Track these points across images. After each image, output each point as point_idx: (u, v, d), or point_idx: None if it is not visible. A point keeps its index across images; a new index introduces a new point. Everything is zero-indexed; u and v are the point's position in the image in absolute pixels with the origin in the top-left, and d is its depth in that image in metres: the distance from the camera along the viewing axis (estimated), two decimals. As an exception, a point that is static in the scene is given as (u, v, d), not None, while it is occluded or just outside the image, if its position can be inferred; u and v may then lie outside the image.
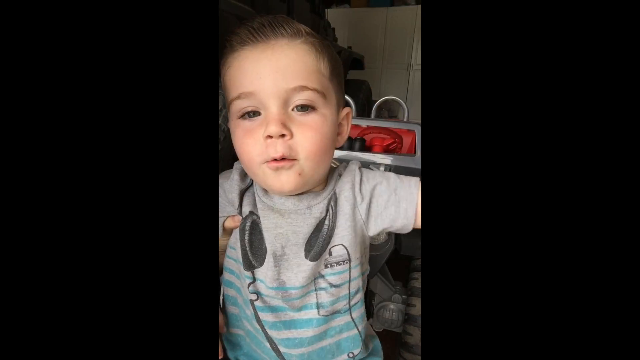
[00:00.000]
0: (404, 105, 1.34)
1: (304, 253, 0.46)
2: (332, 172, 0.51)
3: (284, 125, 0.41)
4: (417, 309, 1.05)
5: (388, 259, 1.02)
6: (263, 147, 0.42)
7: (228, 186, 0.50)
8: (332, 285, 0.48)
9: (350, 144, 1.13)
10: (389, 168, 1.03)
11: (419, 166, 1.01)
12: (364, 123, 1.22)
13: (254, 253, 0.47)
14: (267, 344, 0.49)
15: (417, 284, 1.12)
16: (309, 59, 0.42)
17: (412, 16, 4.50)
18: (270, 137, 0.41)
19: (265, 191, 0.48)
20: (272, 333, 0.48)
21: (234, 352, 0.54)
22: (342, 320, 0.50)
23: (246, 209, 0.49)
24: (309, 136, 0.42)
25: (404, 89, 4.72)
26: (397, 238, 1.02)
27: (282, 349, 0.48)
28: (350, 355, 0.51)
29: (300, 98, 0.42)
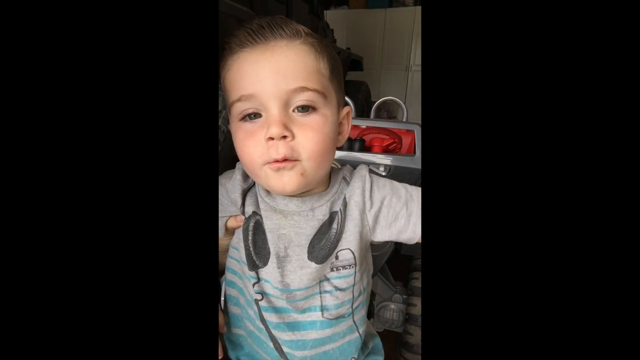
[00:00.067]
0: (403, 106, 1.34)
1: (307, 255, 0.46)
2: (336, 174, 0.51)
3: (285, 126, 0.41)
4: (417, 308, 1.05)
5: (388, 259, 1.02)
6: (264, 148, 0.42)
7: (230, 186, 0.50)
8: (337, 288, 0.48)
9: (349, 145, 1.13)
10: (389, 168, 1.04)
11: (419, 166, 1.01)
12: (364, 123, 1.22)
13: (258, 253, 0.48)
14: (271, 344, 0.49)
15: (418, 283, 1.12)
16: (308, 59, 0.42)
17: (410, 17, 4.51)
18: (271, 138, 0.41)
19: (268, 192, 0.48)
20: (276, 333, 0.48)
21: (235, 352, 0.54)
22: (345, 324, 0.50)
23: (249, 209, 0.49)
24: (310, 137, 0.42)
25: (402, 89, 4.72)
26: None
27: (285, 349, 0.48)
28: (353, 359, 0.52)
29: (301, 99, 0.42)
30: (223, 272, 0.56)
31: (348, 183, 0.50)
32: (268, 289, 0.48)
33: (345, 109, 0.49)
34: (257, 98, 0.41)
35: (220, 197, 0.50)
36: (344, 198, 0.48)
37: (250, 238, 0.48)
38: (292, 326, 0.48)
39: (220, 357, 0.50)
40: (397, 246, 1.03)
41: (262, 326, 0.49)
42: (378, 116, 1.93)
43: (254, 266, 0.48)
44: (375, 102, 1.42)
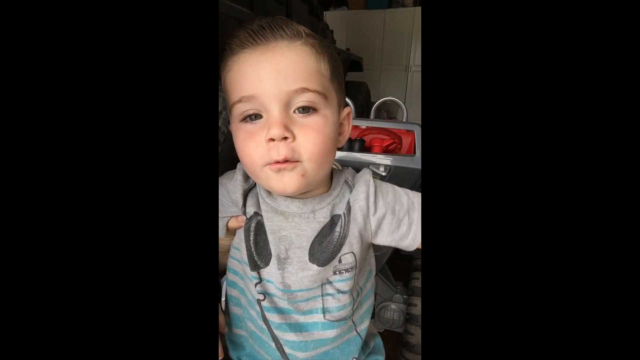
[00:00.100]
0: (403, 106, 1.35)
1: (308, 257, 0.46)
2: (338, 177, 0.51)
3: (286, 127, 0.41)
4: (418, 308, 1.05)
5: (389, 259, 1.02)
6: (265, 149, 0.42)
7: (231, 187, 0.50)
8: (339, 291, 0.48)
9: (349, 145, 1.13)
10: (389, 168, 1.04)
11: (419, 166, 1.01)
12: (364, 124, 1.22)
13: (260, 254, 0.48)
14: (273, 344, 0.49)
15: (418, 283, 1.12)
16: (309, 60, 0.42)
17: (409, 18, 4.51)
18: (272, 140, 0.41)
19: (269, 193, 0.49)
20: (278, 333, 0.48)
21: (236, 352, 0.54)
22: (346, 325, 0.51)
23: (250, 210, 0.49)
24: (311, 138, 0.42)
25: (402, 90, 4.72)
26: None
27: (287, 350, 0.48)
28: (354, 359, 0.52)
29: (302, 100, 0.42)
30: (224, 273, 0.56)
31: (350, 187, 0.50)
32: (271, 289, 0.48)
33: (346, 110, 0.49)
34: (258, 99, 0.41)
35: (221, 197, 0.51)
36: (348, 202, 0.48)
37: (251, 238, 0.48)
38: (295, 327, 0.48)
39: (221, 358, 0.50)
40: (398, 246, 1.03)
41: (264, 326, 0.49)
42: (378, 117, 1.93)
43: (255, 266, 0.48)
44: (375, 102, 1.43)
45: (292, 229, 0.47)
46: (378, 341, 0.60)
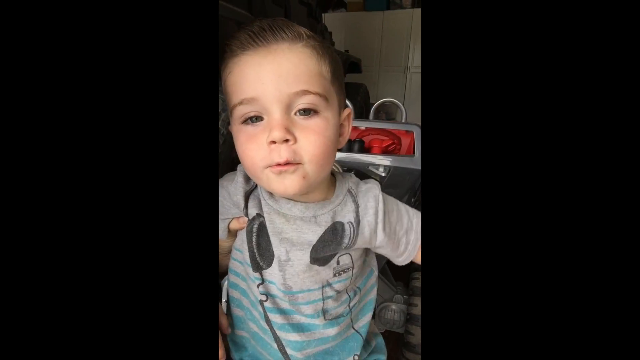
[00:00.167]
0: (402, 107, 1.35)
1: (309, 259, 0.47)
2: (341, 184, 0.51)
3: (287, 130, 0.41)
4: (418, 308, 1.05)
5: (389, 259, 1.02)
6: (266, 152, 0.42)
7: (233, 188, 0.50)
8: (337, 291, 0.50)
9: (349, 146, 1.14)
10: (388, 169, 1.04)
11: (418, 167, 1.02)
12: (363, 125, 1.22)
13: (262, 255, 0.48)
14: (275, 345, 0.49)
15: (419, 283, 1.12)
16: (310, 62, 0.42)
17: (407, 19, 4.52)
18: (273, 142, 0.41)
19: (271, 194, 0.49)
20: (281, 334, 0.49)
21: (238, 353, 0.55)
22: (345, 323, 0.51)
23: (252, 211, 0.49)
24: (312, 140, 0.42)
25: (401, 91, 4.73)
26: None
27: (289, 351, 0.49)
28: (355, 357, 0.53)
29: (303, 102, 0.42)
30: (225, 274, 0.56)
31: (353, 196, 0.50)
32: (273, 290, 0.48)
33: (346, 111, 0.49)
34: (259, 101, 0.41)
35: (222, 199, 0.51)
36: (357, 214, 0.49)
37: (254, 240, 0.48)
38: (297, 327, 0.49)
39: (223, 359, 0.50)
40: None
41: (266, 327, 0.49)
42: (377, 118, 1.93)
43: (258, 267, 0.48)
44: (373, 103, 1.43)
45: (293, 231, 0.47)
46: (380, 340, 0.60)
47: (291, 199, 0.47)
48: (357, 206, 0.49)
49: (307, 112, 0.42)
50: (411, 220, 0.52)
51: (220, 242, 0.54)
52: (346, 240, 0.48)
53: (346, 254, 0.49)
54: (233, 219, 0.52)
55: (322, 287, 0.49)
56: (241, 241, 0.51)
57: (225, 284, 0.58)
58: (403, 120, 1.34)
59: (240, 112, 0.43)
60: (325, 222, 0.48)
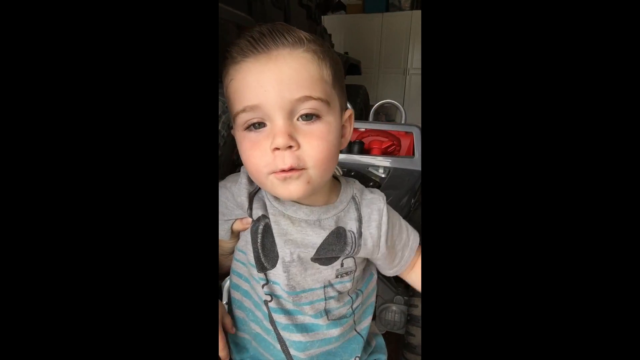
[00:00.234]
0: (402, 108, 1.35)
1: (312, 260, 0.47)
2: (346, 189, 0.51)
3: (291, 136, 0.41)
4: (419, 309, 1.05)
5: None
6: (270, 158, 0.42)
7: (236, 190, 0.50)
8: (339, 292, 0.50)
9: (349, 147, 1.14)
10: (388, 170, 1.04)
11: (418, 167, 1.02)
12: (363, 126, 1.23)
13: (267, 255, 0.48)
14: (278, 346, 0.49)
15: (419, 284, 1.12)
16: (311, 67, 0.42)
17: (407, 21, 4.54)
18: (277, 149, 0.41)
19: (276, 196, 0.49)
20: (285, 334, 0.49)
21: (240, 354, 0.55)
22: (348, 324, 0.52)
23: (257, 212, 0.49)
24: (315, 145, 0.42)
25: (400, 92, 4.74)
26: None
27: (292, 352, 0.49)
28: (357, 359, 0.53)
29: (305, 108, 0.42)
30: (226, 275, 0.56)
31: (357, 203, 0.51)
32: (277, 290, 0.49)
33: (347, 113, 0.49)
34: (262, 109, 0.41)
35: (225, 200, 0.51)
36: (359, 225, 0.50)
37: (259, 240, 0.49)
38: (301, 327, 0.49)
39: None
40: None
41: (270, 327, 0.49)
42: (376, 119, 1.93)
43: (262, 268, 0.48)
44: (373, 105, 1.43)
45: (297, 233, 0.47)
46: (380, 340, 0.60)
47: (296, 202, 0.48)
48: (359, 216, 0.50)
49: (309, 117, 0.42)
50: (409, 237, 0.54)
51: (222, 243, 0.54)
52: (348, 248, 0.48)
53: (350, 257, 0.49)
54: (236, 220, 0.52)
55: (324, 287, 0.49)
56: (245, 242, 0.51)
57: (225, 285, 0.58)
58: (402, 122, 1.35)
59: (243, 119, 0.43)
60: (329, 226, 0.48)
